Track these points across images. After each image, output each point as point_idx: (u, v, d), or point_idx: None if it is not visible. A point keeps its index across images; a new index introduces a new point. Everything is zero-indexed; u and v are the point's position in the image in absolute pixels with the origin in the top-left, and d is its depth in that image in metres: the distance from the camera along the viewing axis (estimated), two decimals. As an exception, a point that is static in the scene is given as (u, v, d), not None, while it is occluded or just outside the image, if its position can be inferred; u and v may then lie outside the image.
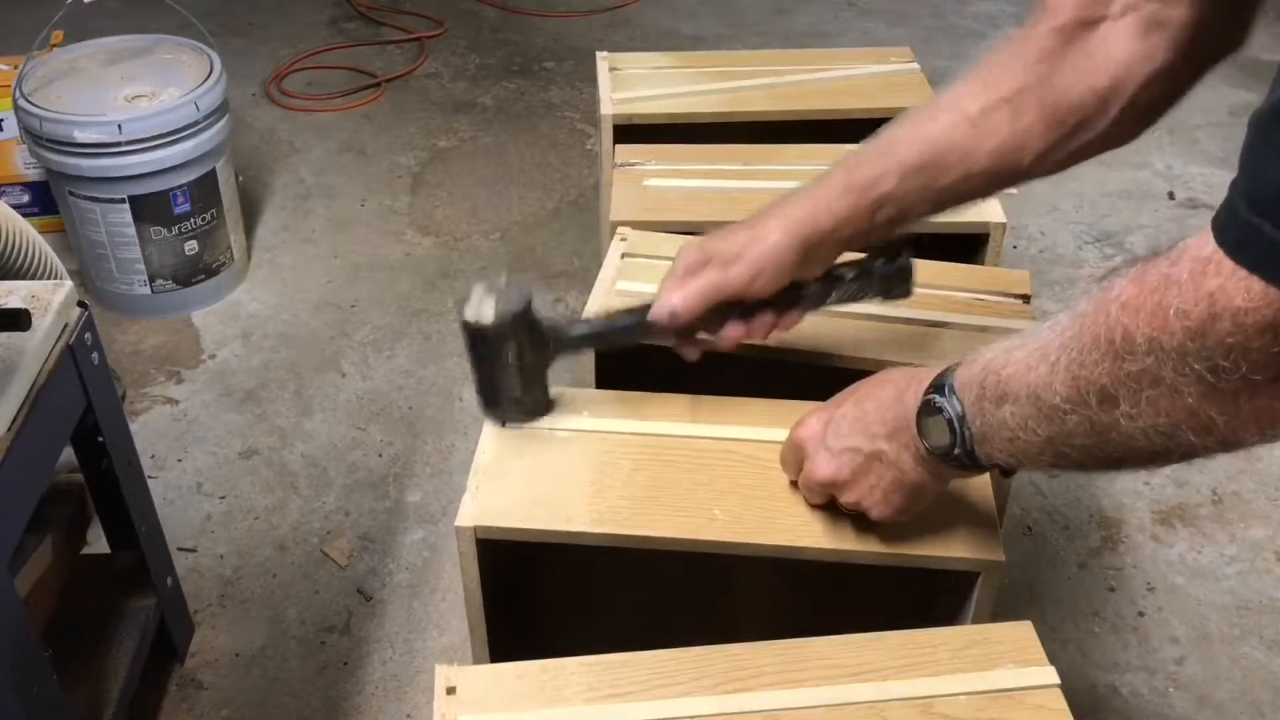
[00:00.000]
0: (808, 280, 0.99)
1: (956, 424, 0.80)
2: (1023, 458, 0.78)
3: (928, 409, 0.82)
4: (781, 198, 0.97)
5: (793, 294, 0.99)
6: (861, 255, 1.02)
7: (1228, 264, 0.60)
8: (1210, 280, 0.60)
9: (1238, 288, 0.59)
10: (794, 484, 0.98)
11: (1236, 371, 0.61)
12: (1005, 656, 0.85)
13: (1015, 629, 0.88)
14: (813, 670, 0.84)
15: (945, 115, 0.92)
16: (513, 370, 1.00)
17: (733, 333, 1.00)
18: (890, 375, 0.90)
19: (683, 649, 0.85)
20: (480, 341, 0.99)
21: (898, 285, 1.02)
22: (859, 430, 0.90)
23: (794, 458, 0.95)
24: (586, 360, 1.21)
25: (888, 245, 1.01)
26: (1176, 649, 1.52)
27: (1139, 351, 0.65)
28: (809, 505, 0.96)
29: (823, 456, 0.91)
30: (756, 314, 0.99)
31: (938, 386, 0.81)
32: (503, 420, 1.05)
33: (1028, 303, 1.23)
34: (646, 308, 0.99)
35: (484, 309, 0.97)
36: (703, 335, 1.01)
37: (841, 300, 1.01)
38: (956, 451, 0.81)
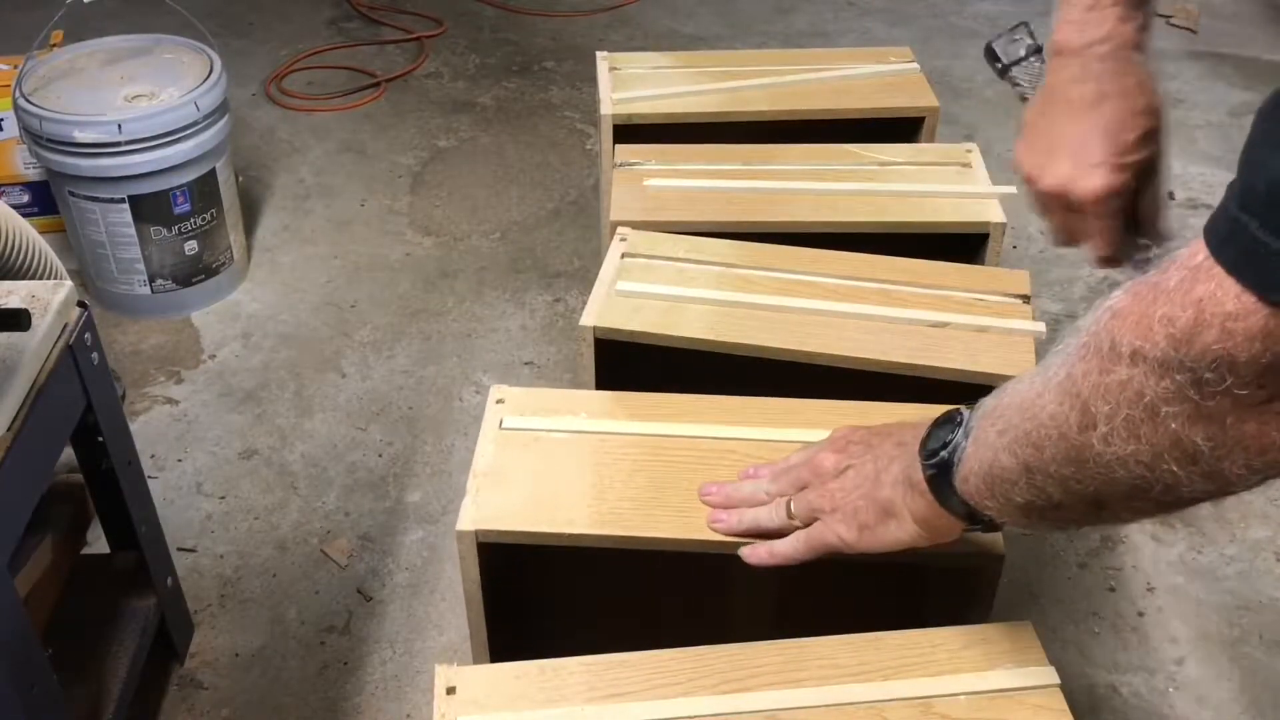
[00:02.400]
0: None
1: (957, 433, 0.78)
2: (996, 488, 0.74)
3: (947, 417, 0.80)
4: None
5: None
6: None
7: (1218, 269, 0.57)
8: (1199, 286, 0.57)
9: (1228, 292, 0.56)
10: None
11: (1221, 384, 0.58)
12: (1005, 656, 0.86)
13: (1015, 629, 0.88)
14: (812, 670, 0.84)
15: None
16: None
17: None
18: None
19: (682, 649, 0.86)
20: None
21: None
22: (881, 434, 0.89)
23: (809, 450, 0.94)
24: (586, 360, 1.21)
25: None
26: (1176, 649, 1.52)
27: (1123, 360, 0.61)
28: (755, 502, 0.95)
29: (831, 446, 0.91)
30: None
31: (973, 404, 0.79)
32: None
33: (1028, 303, 1.23)
34: None
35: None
36: None
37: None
38: (941, 454, 0.78)
